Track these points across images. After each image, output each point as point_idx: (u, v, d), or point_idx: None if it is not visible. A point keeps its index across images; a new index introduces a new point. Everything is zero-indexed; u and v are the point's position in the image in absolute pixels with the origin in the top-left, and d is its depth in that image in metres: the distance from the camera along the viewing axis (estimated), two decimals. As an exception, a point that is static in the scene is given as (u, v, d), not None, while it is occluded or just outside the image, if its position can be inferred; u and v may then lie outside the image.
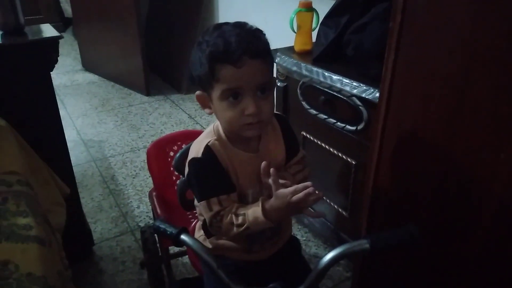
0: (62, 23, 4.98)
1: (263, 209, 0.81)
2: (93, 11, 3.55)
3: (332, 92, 1.43)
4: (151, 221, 1.88)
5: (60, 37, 1.38)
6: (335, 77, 1.40)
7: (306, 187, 0.77)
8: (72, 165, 1.61)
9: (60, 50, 1.42)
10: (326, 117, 1.50)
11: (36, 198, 0.99)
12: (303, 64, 1.53)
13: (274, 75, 1.35)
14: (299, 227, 1.90)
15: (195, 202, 0.89)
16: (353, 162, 1.47)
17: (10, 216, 0.86)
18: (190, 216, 1.33)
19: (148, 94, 3.41)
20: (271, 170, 0.82)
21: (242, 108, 0.79)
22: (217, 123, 0.89)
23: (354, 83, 1.33)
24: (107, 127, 2.90)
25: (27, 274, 0.76)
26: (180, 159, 1.02)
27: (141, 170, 2.36)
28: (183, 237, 0.82)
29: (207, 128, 0.92)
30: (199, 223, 1.00)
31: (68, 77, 3.82)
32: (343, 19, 1.46)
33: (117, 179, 2.30)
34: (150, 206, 1.40)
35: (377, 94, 1.11)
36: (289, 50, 1.67)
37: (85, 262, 1.71)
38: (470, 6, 0.77)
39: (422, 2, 0.85)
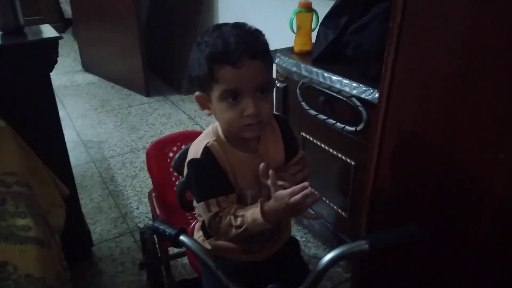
0: (62, 24, 4.98)
1: (262, 211, 0.81)
2: (93, 12, 3.55)
3: (331, 93, 1.43)
4: (151, 222, 1.88)
5: (60, 38, 1.38)
6: (334, 77, 1.40)
7: (304, 188, 0.77)
8: (72, 166, 1.61)
9: (60, 50, 1.41)
10: (325, 117, 1.50)
11: (35, 199, 0.99)
12: (302, 65, 1.53)
13: (274, 75, 1.35)
14: (299, 228, 1.90)
15: (194, 203, 0.88)
16: (353, 163, 1.46)
17: (9, 217, 0.86)
18: (190, 217, 1.32)
19: (147, 95, 3.41)
20: (270, 171, 0.81)
21: (242, 109, 0.79)
22: (216, 124, 0.89)
23: (354, 84, 1.33)
24: (106, 128, 2.89)
25: (25, 275, 0.75)
26: (179, 160, 1.02)
27: (141, 171, 2.36)
28: (182, 238, 0.82)
29: (206, 129, 0.91)
30: (198, 224, 1.00)
31: (68, 77, 3.82)
32: (342, 19, 1.46)
33: (117, 180, 2.30)
34: (150, 207, 1.39)
35: (377, 95, 1.10)
36: (289, 51, 1.67)
37: (84, 263, 1.71)
38: (470, 6, 0.77)
39: (422, 2, 0.85)
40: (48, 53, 1.37)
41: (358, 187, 1.46)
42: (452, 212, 0.92)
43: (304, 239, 1.83)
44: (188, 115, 3.09)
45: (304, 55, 1.62)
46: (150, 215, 1.95)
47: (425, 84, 0.89)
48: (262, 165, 0.84)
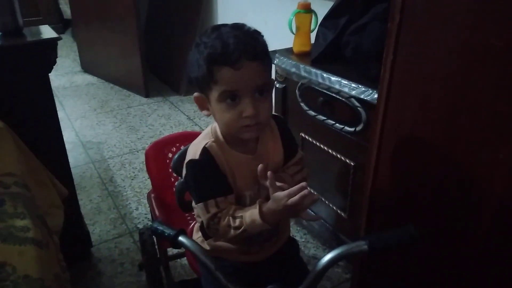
0: (61, 25, 4.97)
1: (260, 212, 0.80)
2: (92, 12, 3.55)
3: (330, 93, 1.43)
4: (150, 223, 1.88)
5: (59, 39, 1.38)
6: (333, 78, 1.40)
7: (301, 189, 0.76)
8: (71, 166, 1.61)
9: (59, 51, 1.41)
10: (324, 118, 1.50)
11: (33, 200, 0.99)
12: (301, 66, 1.53)
13: (273, 76, 1.35)
14: (298, 228, 1.90)
15: (193, 203, 0.88)
16: (352, 163, 1.46)
17: (7, 218, 0.86)
18: (189, 218, 1.32)
19: (147, 95, 3.41)
20: (268, 173, 0.81)
21: (240, 110, 0.79)
22: (215, 124, 0.89)
23: (353, 84, 1.33)
24: (105, 129, 2.89)
25: (24, 276, 0.75)
26: (178, 160, 1.02)
27: (140, 172, 2.36)
28: (181, 238, 0.82)
29: (205, 130, 0.91)
30: (197, 225, 0.99)
31: (67, 78, 3.81)
32: (341, 20, 1.46)
33: (116, 180, 2.30)
34: (149, 208, 1.39)
35: (376, 95, 1.10)
36: (288, 52, 1.67)
37: (83, 264, 1.71)
38: (469, 6, 0.77)
39: (421, 2, 0.85)
40: (47, 54, 1.36)
41: (358, 187, 1.46)
42: (452, 212, 0.92)
43: (303, 240, 1.83)
44: (187, 115, 3.09)
45: (303, 56, 1.62)
46: (149, 216, 1.95)
47: (425, 84, 0.89)
48: (260, 166, 0.84)
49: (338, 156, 1.51)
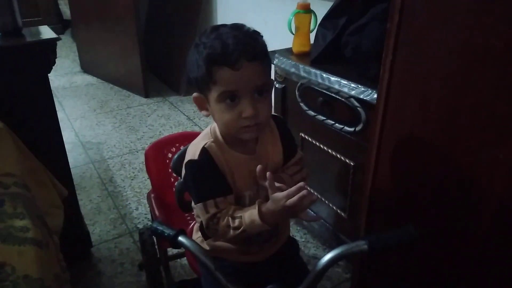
0: (60, 25, 4.97)
1: (260, 212, 0.80)
2: (92, 13, 3.54)
3: (330, 94, 1.43)
4: (150, 223, 1.88)
5: (58, 39, 1.38)
6: (333, 78, 1.40)
7: (300, 189, 0.76)
8: (71, 167, 1.61)
9: (59, 52, 1.41)
10: (324, 118, 1.50)
11: (33, 200, 0.99)
12: (301, 66, 1.53)
13: (272, 76, 1.35)
14: (298, 228, 1.90)
15: (193, 204, 0.88)
16: (352, 163, 1.46)
17: (7, 218, 0.86)
18: (189, 218, 1.32)
19: (146, 96, 3.40)
20: (268, 174, 0.81)
21: (240, 110, 0.79)
22: (214, 125, 0.89)
23: (352, 84, 1.33)
24: (105, 129, 2.89)
25: (23, 276, 0.75)
26: (178, 160, 1.02)
27: (140, 172, 2.36)
28: (180, 238, 0.82)
29: (204, 130, 0.91)
30: (197, 225, 0.99)
31: (67, 79, 3.81)
32: (341, 20, 1.46)
33: (116, 181, 2.30)
34: (149, 208, 1.39)
35: (375, 95, 1.10)
36: (287, 52, 1.67)
37: (83, 264, 1.71)
38: (469, 6, 0.77)
39: (420, 2, 0.85)
40: (46, 54, 1.36)
41: (357, 187, 1.46)
42: (452, 212, 0.92)
43: (303, 240, 1.83)
44: (187, 116, 3.09)
45: (302, 56, 1.62)
46: (149, 216, 1.95)
47: (424, 84, 0.89)
48: (259, 167, 0.84)
49: (338, 156, 1.51)
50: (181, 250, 1.19)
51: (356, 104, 1.34)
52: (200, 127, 2.92)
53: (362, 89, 1.29)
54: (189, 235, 0.86)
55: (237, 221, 0.82)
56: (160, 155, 1.35)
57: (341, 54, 1.43)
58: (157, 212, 1.28)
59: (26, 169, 1.08)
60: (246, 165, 0.87)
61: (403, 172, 1.02)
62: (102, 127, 2.93)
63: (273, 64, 1.64)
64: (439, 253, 0.98)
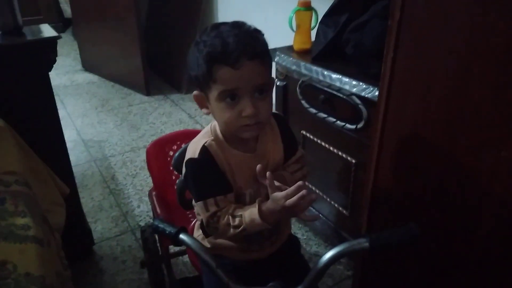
0: (61, 24, 4.97)
1: (260, 211, 0.80)
2: (93, 11, 3.54)
3: (331, 91, 1.43)
4: (152, 221, 1.88)
5: (58, 37, 1.38)
6: (334, 75, 1.39)
7: (299, 189, 0.76)
8: (72, 165, 1.61)
9: (60, 50, 1.41)
10: (325, 116, 1.50)
11: (34, 198, 0.99)
12: (302, 63, 1.53)
13: (273, 74, 1.35)
14: (300, 225, 1.90)
15: (193, 202, 0.88)
16: (353, 161, 1.46)
17: (8, 216, 0.86)
18: (190, 215, 1.32)
19: (148, 93, 3.41)
20: (267, 173, 0.81)
21: (240, 109, 0.79)
22: (215, 123, 0.88)
23: (354, 82, 1.32)
24: (107, 127, 2.90)
25: (25, 274, 0.75)
26: (179, 158, 1.02)
27: (141, 170, 2.36)
28: (182, 236, 0.82)
29: (205, 128, 0.91)
30: (198, 223, 0.99)
31: (68, 77, 3.82)
32: (342, 17, 1.46)
33: (117, 178, 2.30)
34: (150, 206, 1.40)
35: (377, 93, 1.10)
36: (288, 49, 1.67)
37: (85, 261, 1.71)
38: (469, 4, 0.77)
39: (421, -1, 0.84)
40: (46, 52, 1.37)
41: (359, 185, 1.46)
42: (453, 210, 0.92)
43: (305, 237, 1.83)
44: (188, 113, 3.09)
45: (303, 54, 1.61)
46: (151, 214, 1.95)
47: (425, 82, 0.88)
48: (258, 167, 0.83)
49: (340, 153, 1.51)
50: (183, 247, 1.18)
51: (358, 101, 1.34)
52: (202, 125, 2.92)
53: (364, 86, 1.29)
54: (190, 233, 0.86)
55: (237, 220, 0.82)
56: (162, 153, 1.35)
57: (342, 52, 1.43)
58: (158, 210, 1.28)
59: (27, 167, 1.09)
60: (246, 163, 0.87)
61: (405, 170, 1.02)
62: (104, 125, 2.93)
63: (274, 61, 1.63)
64: (440, 251, 0.98)
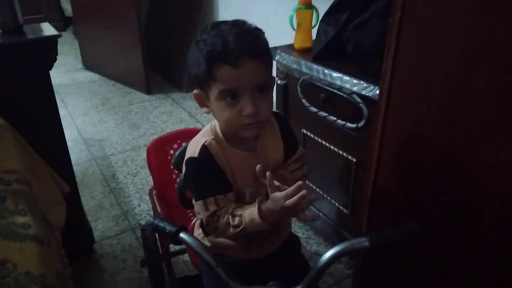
0: (62, 22, 4.97)
1: (260, 211, 0.80)
2: (93, 10, 3.54)
3: (332, 90, 1.43)
4: (152, 219, 1.88)
5: (59, 36, 1.38)
6: (335, 74, 1.39)
7: (298, 189, 0.76)
8: (73, 163, 1.61)
9: (61, 49, 1.41)
10: (326, 114, 1.50)
11: (35, 197, 0.99)
12: (303, 62, 1.52)
13: (274, 73, 1.35)
14: (300, 224, 1.90)
15: (193, 201, 0.88)
16: (354, 160, 1.46)
17: (9, 215, 0.86)
18: (190, 214, 1.32)
19: (148, 92, 3.40)
20: (267, 173, 0.80)
21: (240, 108, 0.78)
22: (215, 122, 0.88)
23: (354, 80, 1.32)
24: (107, 126, 2.90)
25: (25, 273, 0.75)
26: (179, 157, 1.02)
27: (142, 169, 2.36)
28: (182, 235, 0.82)
29: (205, 127, 0.91)
30: (198, 222, 0.99)
31: (69, 76, 3.82)
32: (343, 16, 1.46)
33: (118, 177, 2.30)
34: (151, 205, 1.40)
35: (377, 91, 1.10)
36: (289, 48, 1.67)
37: (85, 260, 1.71)
38: (469, 4, 0.76)
39: (422, -2, 0.84)
40: (47, 51, 1.36)
41: (359, 184, 1.46)
42: (453, 210, 0.92)
43: (305, 236, 1.83)
44: (189, 112, 3.09)
45: (304, 52, 1.61)
46: (151, 213, 1.95)
47: (426, 81, 0.88)
48: (258, 167, 0.83)
49: (340, 152, 1.51)
50: (183, 246, 1.19)
51: (358, 100, 1.34)
52: (202, 124, 2.92)
53: (364, 85, 1.29)
54: (190, 232, 0.85)
55: (237, 219, 0.82)
56: (162, 152, 1.35)
57: (343, 50, 1.42)
58: (159, 209, 1.29)
59: (27, 166, 1.09)
60: (246, 162, 0.86)
61: (405, 169, 1.02)
62: (104, 124, 2.93)
63: (275, 60, 1.63)
64: (440, 250, 0.98)
